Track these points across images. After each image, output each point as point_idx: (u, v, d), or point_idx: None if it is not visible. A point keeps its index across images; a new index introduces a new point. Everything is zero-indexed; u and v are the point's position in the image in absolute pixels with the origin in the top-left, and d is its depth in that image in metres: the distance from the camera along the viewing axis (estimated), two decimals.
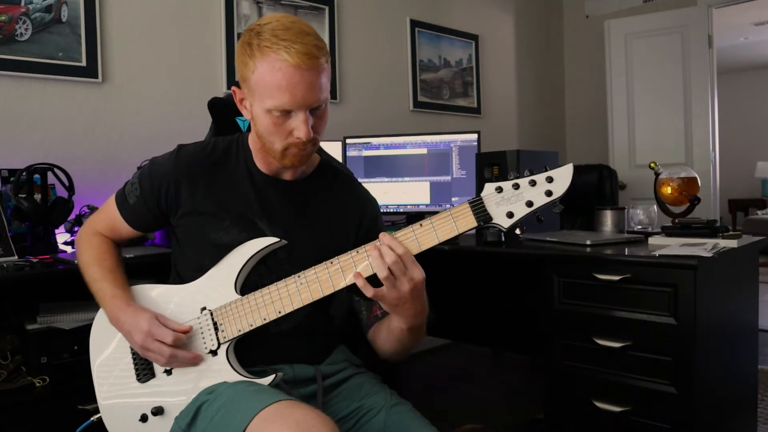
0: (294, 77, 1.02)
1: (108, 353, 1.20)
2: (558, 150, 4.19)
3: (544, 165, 1.00)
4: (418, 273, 1.01)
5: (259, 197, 1.18)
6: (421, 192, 2.59)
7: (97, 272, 1.19)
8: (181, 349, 1.09)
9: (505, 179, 0.99)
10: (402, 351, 1.19)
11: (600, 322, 1.62)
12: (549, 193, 0.97)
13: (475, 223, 0.99)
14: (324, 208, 1.22)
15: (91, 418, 1.21)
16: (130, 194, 1.22)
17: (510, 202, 0.98)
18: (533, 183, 0.97)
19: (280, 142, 1.09)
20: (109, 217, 1.25)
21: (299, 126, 1.06)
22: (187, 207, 1.18)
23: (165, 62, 2.47)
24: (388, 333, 1.15)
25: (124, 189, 1.24)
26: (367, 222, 1.26)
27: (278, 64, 1.02)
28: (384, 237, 1.01)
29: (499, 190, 0.99)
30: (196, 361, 1.10)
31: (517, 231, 1.00)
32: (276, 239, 1.13)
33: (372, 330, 1.23)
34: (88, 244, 1.24)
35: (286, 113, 1.06)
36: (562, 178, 0.96)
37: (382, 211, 2.68)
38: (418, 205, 2.60)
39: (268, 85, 1.04)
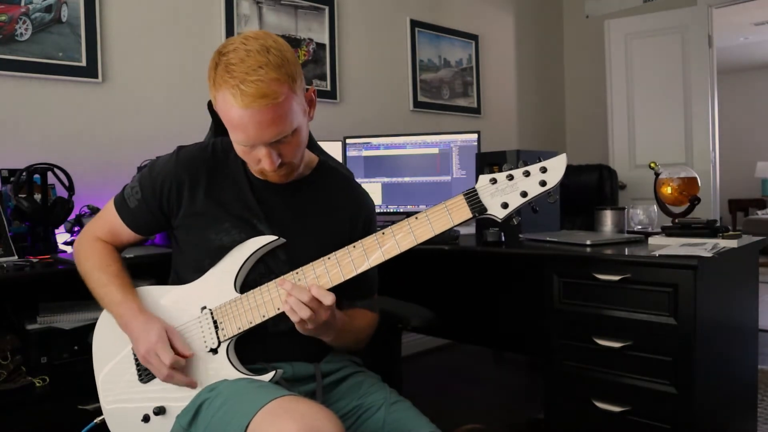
0: (244, 119, 1.01)
1: (111, 355, 1.20)
2: (558, 150, 4.17)
3: (537, 156, 1.01)
4: (323, 314, 1.03)
5: (257, 199, 1.18)
6: (420, 192, 2.60)
7: (103, 278, 1.17)
8: (179, 371, 1.08)
9: (500, 172, 0.99)
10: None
11: (600, 322, 1.62)
12: (543, 183, 0.97)
13: (470, 215, 0.99)
14: (321, 208, 1.23)
15: (94, 421, 1.21)
16: (130, 198, 1.21)
17: (504, 193, 0.98)
18: (527, 174, 0.98)
19: (254, 166, 1.12)
20: (108, 223, 1.24)
21: (263, 159, 1.07)
22: (188, 208, 1.18)
23: (165, 62, 2.47)
24: None
25: (122, 193, 1.23)
26: (362, 221, 1.26)
27: (229, 104, 1.02)
28: (285, 285, 1.04)
29: (494, 181, 0.99)
30: (191, 386, 1.10)
31: (514, 221, 1.01)
32: (274, 237, 1.13)
33: None
34: (91, 251, 1.22)
35: (250, 145, 1.06)
36: (556, 168, 0.97)
37: (382, 211, 2.66)
38: (418, 205, 2.60)
39: (226, 119, 1.05)
